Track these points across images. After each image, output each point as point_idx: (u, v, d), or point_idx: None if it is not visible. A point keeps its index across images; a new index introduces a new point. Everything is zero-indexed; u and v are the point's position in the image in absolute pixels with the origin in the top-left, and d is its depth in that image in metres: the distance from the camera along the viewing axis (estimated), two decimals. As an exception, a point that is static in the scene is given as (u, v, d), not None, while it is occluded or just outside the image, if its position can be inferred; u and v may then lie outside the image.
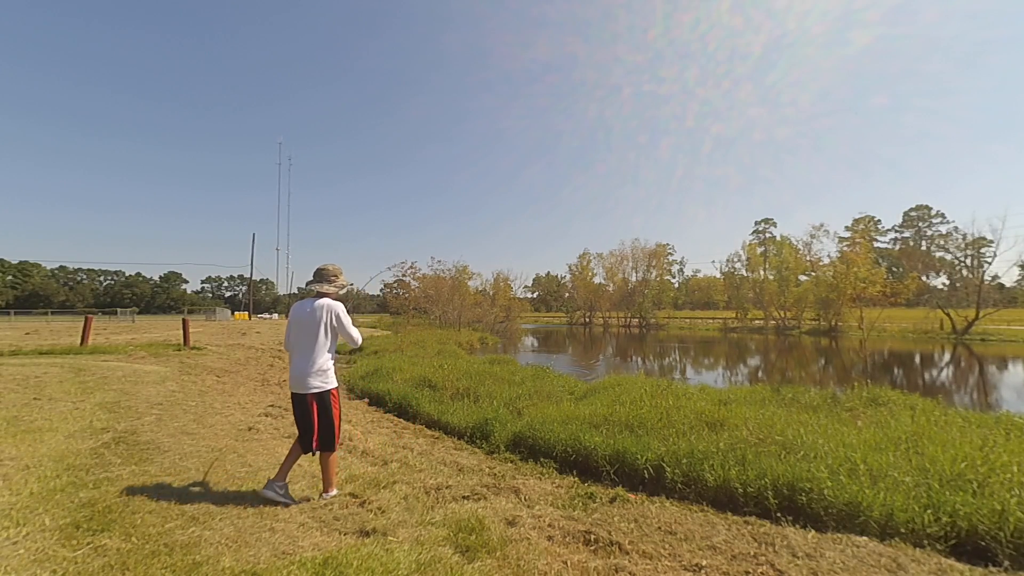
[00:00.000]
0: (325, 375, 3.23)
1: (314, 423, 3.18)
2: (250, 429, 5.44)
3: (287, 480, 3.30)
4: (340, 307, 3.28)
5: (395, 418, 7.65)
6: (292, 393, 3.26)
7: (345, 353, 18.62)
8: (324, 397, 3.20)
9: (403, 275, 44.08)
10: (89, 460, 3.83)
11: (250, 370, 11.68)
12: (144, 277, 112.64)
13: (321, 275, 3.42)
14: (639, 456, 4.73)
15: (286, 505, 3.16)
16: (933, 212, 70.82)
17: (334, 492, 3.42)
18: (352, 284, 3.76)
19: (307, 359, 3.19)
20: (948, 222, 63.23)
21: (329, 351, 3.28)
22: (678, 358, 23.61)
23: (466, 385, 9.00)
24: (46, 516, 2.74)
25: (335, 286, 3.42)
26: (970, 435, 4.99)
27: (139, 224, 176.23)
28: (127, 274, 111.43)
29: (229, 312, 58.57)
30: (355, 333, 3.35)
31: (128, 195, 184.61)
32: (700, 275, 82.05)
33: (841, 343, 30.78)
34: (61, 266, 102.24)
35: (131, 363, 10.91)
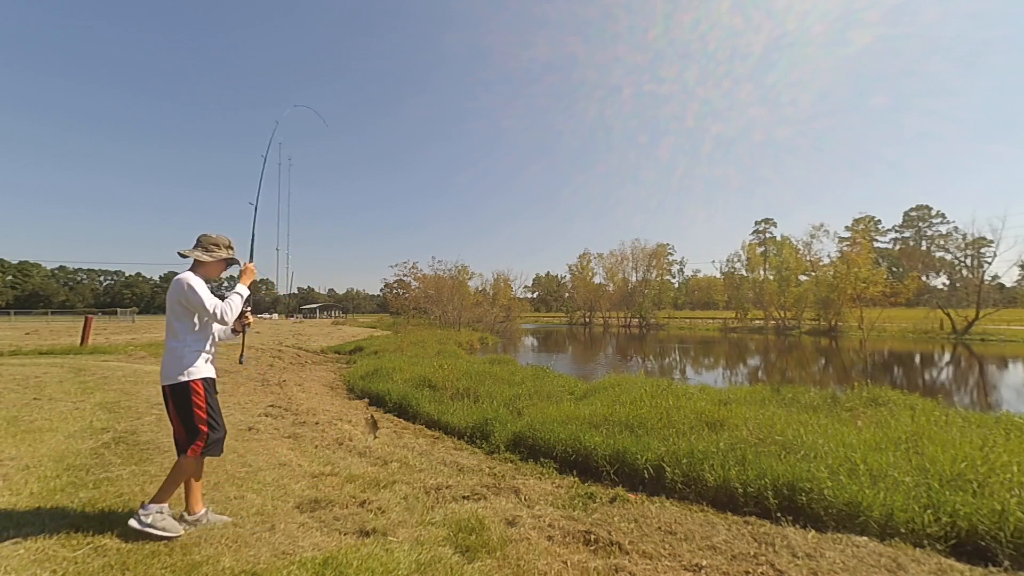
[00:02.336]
0: (179, 364, 2.64)
1: (172, 421, 2.69)
2: (250, 429, 5.44)
3: (167, 503, 2.64)
4: (191, 278, 2.66)
5: (395, 418, 7.64)
6: None
7: (345, 353, 18.60)
8: (178, 390, 2.63)
9: (403, 275, 44.22)
10: (89, 460, 3.84)
11: (250, 370, 11.68)
12: (144, 277, 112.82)
13: (197, 242, 2.85)
14: (639, 456, 4.73)
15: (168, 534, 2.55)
16: (933, 212, 70.78)
17: (200, 513, 2.72)
18: (239, 261, 3.04)
19: (167, 344, 2.71)
20: (948, 222, 63.35)
21: (187, 334, 2.68)
22: (678, 358, 23.60)
23: (466, 385, 8.99)
24: (46, 516, 2.74)
25: (211, 255, 2.80)
26: (970, 435, 4.98)
27: (139, 224, 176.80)
28: (127, 274, 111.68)
29: (229, 312, 58.43)
30: (216, 305, 2.65)
31: (128, 195, 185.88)
32: (700, 275, 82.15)
33: (841, 343, 30.77)
34: (61, 266, 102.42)
35: (131, 363, 10.91)
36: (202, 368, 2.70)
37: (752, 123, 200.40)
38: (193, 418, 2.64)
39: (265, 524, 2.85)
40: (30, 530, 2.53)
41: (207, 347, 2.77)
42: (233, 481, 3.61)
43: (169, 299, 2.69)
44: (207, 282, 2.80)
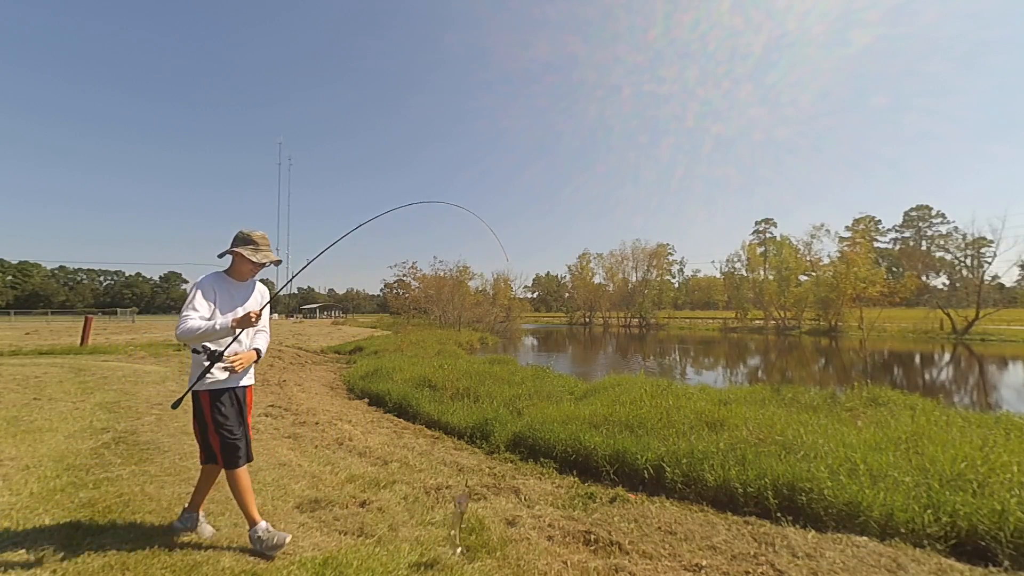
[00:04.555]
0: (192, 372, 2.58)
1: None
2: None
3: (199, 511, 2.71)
4: (202, 279, 2.59)
5: (395, 418, 7.64)
6: None
7: (345, 353, 18.62)
8: (192, 399, 2.57)
9: (403, 275, 44.22)
10: (89, 460, 3.84)
11: (250, 370, 11.67)
12: (144, 277, 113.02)
13: (242, 238, 2.67)
14: (639, 456, 4.73)
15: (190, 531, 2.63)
16: (933, 212, 70.74)
17: (262, 526, 2.52)
18: (279, 261, 2.85)
19: None
20: (948, 222, 63.34)
21: (194, 343, 2.48)
22: (678, 358, 23.59)
23: (466, 385, 8.99)
24: (46, 516, 2.74)
25: (259, 255, 2.67)
26: (970, 435, 4.98)
27: (139, 224, 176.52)
28: (127, 274, 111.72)
29: (229, 312, 58.40)
30: (186, 315, 2.42)
31: (128, 195, 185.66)
32: (700, 275, 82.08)
33: (841, 343, 30.76)
34: (61, 266, 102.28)
35: (131, 363, 10.90)
36: (205, 379, 2.49)
37: (752, 123, 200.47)
38: (204, 427, 2.54)
39: (265, 524, 2.85)
40: (30, 530, 2.53)
41: (204, 354, 2.50)
42: (233, 481, 3.61)
43: None
44: (236, 280, 2.65)
